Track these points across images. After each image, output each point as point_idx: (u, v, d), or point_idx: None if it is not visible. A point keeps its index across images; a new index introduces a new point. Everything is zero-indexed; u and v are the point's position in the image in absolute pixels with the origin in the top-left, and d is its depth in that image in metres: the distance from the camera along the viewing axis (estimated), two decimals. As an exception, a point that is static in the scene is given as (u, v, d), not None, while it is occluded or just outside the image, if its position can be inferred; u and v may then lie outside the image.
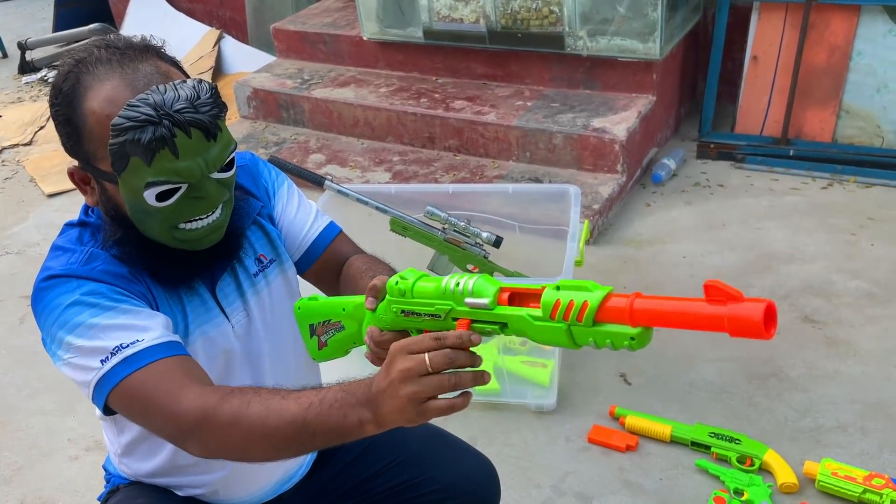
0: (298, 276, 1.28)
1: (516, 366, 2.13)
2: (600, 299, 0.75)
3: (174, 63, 1.03)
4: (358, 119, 3.57)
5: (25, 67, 5.24)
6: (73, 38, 5.17)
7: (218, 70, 4.74)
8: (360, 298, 1.01)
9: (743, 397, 2.08)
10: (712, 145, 3.32)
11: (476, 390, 2.25)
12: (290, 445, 0.91)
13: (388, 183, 3.23)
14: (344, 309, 1.04)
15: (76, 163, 1.02)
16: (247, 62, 4.74)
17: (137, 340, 0.97)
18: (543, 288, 0.79)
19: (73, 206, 3.49)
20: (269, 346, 1.19)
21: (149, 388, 0.95)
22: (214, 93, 0.97)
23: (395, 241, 2.26)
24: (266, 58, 4.63)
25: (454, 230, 2.25)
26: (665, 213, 2.97)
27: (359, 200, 2.26)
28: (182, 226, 1.01)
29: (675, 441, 1.94)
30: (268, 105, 3.83)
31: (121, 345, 0.97)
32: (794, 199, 2.98)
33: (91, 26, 5.01)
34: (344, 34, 3.86)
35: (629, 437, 1.96)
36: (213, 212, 1.03)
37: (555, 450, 1.98)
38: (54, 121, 1.00)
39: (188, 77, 1.00)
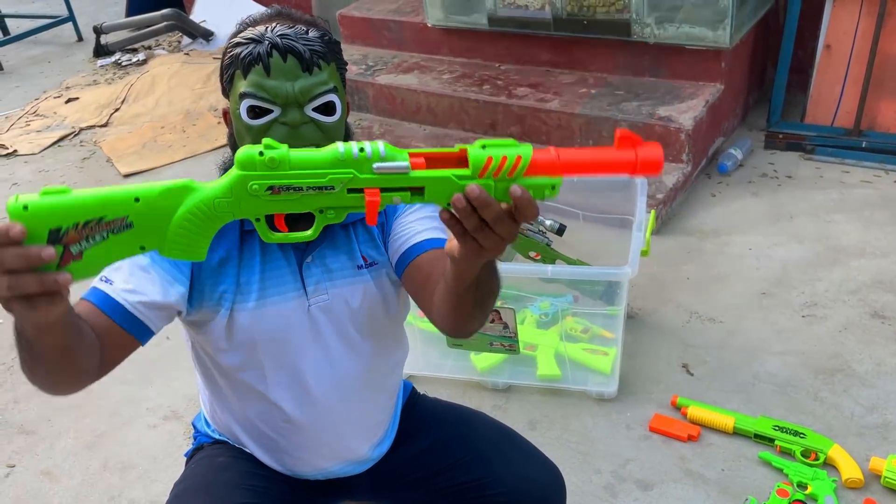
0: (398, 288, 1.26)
1: (578, 353, 2.15)
2: (530, 154, 0.77)
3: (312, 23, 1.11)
4: (421, 105, 3.61)
5: (100, 51, 5.42)
6: (145, 23, 5.33)
7: (283, 55, 4.83)
8: (169, 183, 0.79)
9: (808, 391, 2.06)
10: (781, 135, 3.26)
11: (538, 376, 2.25)
12: (26, 356, 0.91)
13: (450, 169, 3.26)
14: (138, 199, 0.77)
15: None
16: (311, 47, 4.83)
17: (111, 282, 1.06)
18: (462, 150, 0.78)
19: (147, 186, 3.64)
20: (334, 345, 1.20)
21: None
22: (325, 38, 1.07)
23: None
24: (330, 43, 4.71)
25: (543, 232, 2.27)
26: (731, 203, 2.94)
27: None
28: None
29: (737, 433, 1.94)
30: (333, 90, 3.90)
31: (107, 277, 1.07)
32: (865, 191, 2.91)
33: (163, 11, 5.16)
34: (408, 21, 3.90)
35: (691, 427, 1.97)
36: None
37: (615, 437, 2.00)
38: (220, 67, 1.12)
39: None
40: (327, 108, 1.06)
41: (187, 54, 5.10)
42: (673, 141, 2.97)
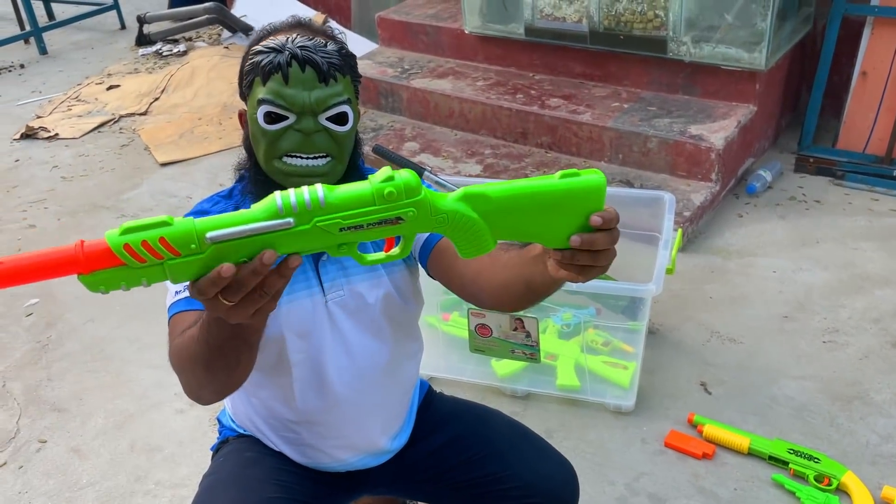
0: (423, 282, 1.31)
1: (598, 365, 2.19)
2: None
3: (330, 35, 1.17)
4: (453, 110, 3.66)
5: (142, 40, 5.54)
6: (187, 15, 5.43)
7: (320, 53, 4.90)
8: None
9: (825, 417, 2.08)
10: (812, 160, 3.26)
11: (557, 386, 2.29)
12: (200, 361, 0.96)
13: (478, 175, 3.31)
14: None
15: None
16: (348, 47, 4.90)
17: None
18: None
19: (185, 175, 3.72)
20: (352, 339, 1.25)
21: (175, 327, 1.09)
22: (342, 51, 1.12)
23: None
24: (366, 44, 4.77)
25: None
26: (757, 225, 2.95)
27: (456, 192, 2.35)
28: (284, 158, 1.12)
29: (752, 454, 1.96)
30: (368, 91, 3.96)
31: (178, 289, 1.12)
32: (893, 221, 2.91)
33: (205, 5, 5.26)
34: (446, 26, 3.95)
35: (706, 445, 1.99)
36: (316, 157, 1.12)
37: (630, 450, 2.03)
38: (240, 72, 1.17)
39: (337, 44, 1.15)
40: (340, 118, 1.12)
41: (227, 48, 5.20)
42: (703, 160, 2.99)
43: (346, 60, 1.12)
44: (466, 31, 3.80)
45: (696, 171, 3.03)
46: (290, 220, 0.77)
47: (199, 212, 1.21)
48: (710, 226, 2.97)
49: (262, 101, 1.09)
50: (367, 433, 1.32)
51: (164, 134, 4.10)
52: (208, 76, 4.76)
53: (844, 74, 3.33)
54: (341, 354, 1.25)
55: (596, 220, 0.83)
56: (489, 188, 0.84)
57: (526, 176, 3.24)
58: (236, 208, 1.11)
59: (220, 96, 4.54)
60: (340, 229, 0.79)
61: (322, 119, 1.10)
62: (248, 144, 1.18)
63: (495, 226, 0.84)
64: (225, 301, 0.78)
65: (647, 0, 3.17)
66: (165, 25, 5.60)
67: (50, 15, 6.29)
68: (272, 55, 1.08)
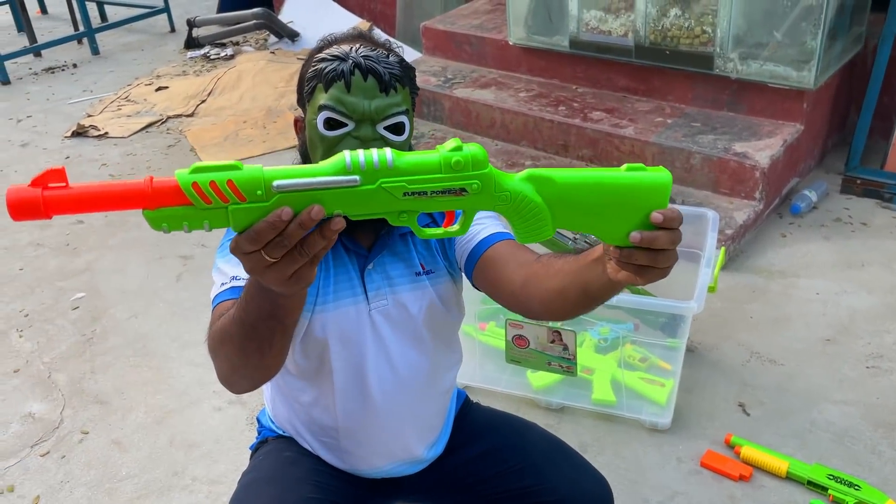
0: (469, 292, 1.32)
1: (634, 381, 2.17)
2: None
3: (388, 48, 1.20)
4: (495, 121, 3.68)
5: (191, 43, 5.66)
6: (236, 20, 5.54)
7: (364, 60, 4.96)
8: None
9: (866, 444, 2.04)
10: (859, 181, 3.21)
11: (593, 400, 2.29)
12: (235, 342, 0.97)
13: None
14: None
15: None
16: (392, 55, 4.95)
17: (239, 278, 1.14)
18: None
19: (227, 177, 3.78)
20: (394, 348, 1.26)
21: (217, 313, 1.11)
22: (403, 63, 1.14)
23: (527, 245, 2.34)
24: (410, 52, 4.81)
25: (585, 241, 2.31)
26: (801, 246, 2.91)
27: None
28: None
29: (790, 478, 1.93)
30: (411, 99, 3.99)
31: (236, 275, 1.15)
32: (942, 246, 2.85)
33: (253, 10, 5.36)
34: (490, 37, 3.97)
35: (743, 466, 1.97)
36: None
37: (666, 469, 2.01)
38: (300, 79, 1.18)
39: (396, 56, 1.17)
40: (397, 128, 1.13)
41: (273, 53, 5.28)
42: (747, 178, 2.96)
43: (406, 72, 1.14)
44: (511, 43, 3.81)
45: (739, 188, 3.00)
46: (357, 177, 0.77)
47: None
48: (752, 245, 2.93)
49: (323, 107, 1.11)
50: (404, 442, 1.33)
51: (210, 136, 4.18)
52: (254, 80, 4.84)
53: (895, 96, 3.27)
54: (382, 363, 1.26)
55: (657, 217, 0.83)
56: (555, 172, 0.83)
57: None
58: None
59: (264, 100, 4.62)
60: (404, 194, 0.79)
61: (380, 128, 1.11)
62: (303, 150, 1.20)
63: (556, 212, 0.84)
64: (267, 257, 0.78)
65: (694, 16, 3.15)
66: (214, 29, 5.72)
67: (102, 16, 6.46)
68: (336, 63, 1.10)
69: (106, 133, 4.37)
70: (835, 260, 2.81)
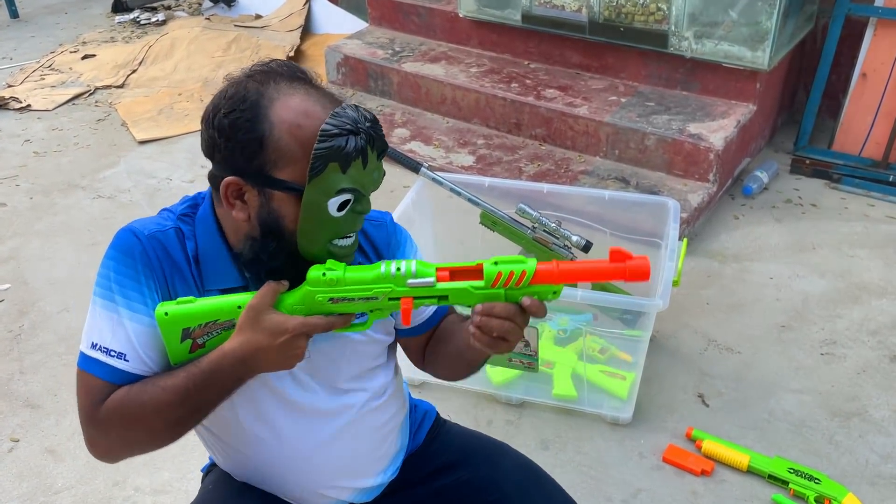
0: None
1: (595, 375, 2.14)
2: (534, 269, 0.97)
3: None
4: (446, 97, 3.56)
5: (119, 6, 5.33)
6: (167, -17, 5.23)
7: (306, 29, 4.76)
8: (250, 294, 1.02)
9: (823, 433, 2.05)
10: (808, 161, 3.23)
11: (553, 395, 2.27)
12: (168, 419, 1.01)
13: (470, 166, 3.23)
14: (240, 306, 1.01)
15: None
16: (335, 24, 4.76)
17: (120, 355, 1.03)
18: (479, 265, 0.99)
19: (164, 154, 3.58)
20: (315, 399, 1.17)
21: (90, 387, 1.05)
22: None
23: (482, 234, 2.26)
24: (354, 21, 4.63)
25: (544, 230, 2.24)
26: (753, 228, 2.91)
27: (452, 190, 2.26)
28: (336, 241, 1.04)
29: (752, 471, 1.93)
30: (357, 73, 3.84)
31: (109, 349, 1.04)
32: (890, 228, 2.89)
33: (186, -27, 5.06)
34: (439, 8, 3.83)
35: (705, 461, 1.96)
36: (357, 232, 1.08)
37: (628, 464, 1.99)
38: (228, 130, 0.98)
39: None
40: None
41: (208, 19, 5.01)
42: (701, 160, 2.93)
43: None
44: (461, 15, 3.68)
45: (693, 170, 2.97)
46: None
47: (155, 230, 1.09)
48: (706, 227, 2.92)
49: (345, 191, 0.99)
50: (349, 481, 1.23)
51: (142, 109, 3.94)
52: (188, 49, 4.58)
53: (843, 74, 3.29)
54: (300, 416, 1.16)
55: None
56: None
57: (520, 170, 3.17)
58: (195, 254, 1.08)
59: (200, 70, 4.38)
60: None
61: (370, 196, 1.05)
62: (266, 228, 1.02)
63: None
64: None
65: (649, -8, 3.08)
66: (143, -8, 5.39)
67: (21, -25, 6.01)
68: (352, 139, 0.97)
69: (28, 105, 4.08)
70: (787, 242, 2.83)
